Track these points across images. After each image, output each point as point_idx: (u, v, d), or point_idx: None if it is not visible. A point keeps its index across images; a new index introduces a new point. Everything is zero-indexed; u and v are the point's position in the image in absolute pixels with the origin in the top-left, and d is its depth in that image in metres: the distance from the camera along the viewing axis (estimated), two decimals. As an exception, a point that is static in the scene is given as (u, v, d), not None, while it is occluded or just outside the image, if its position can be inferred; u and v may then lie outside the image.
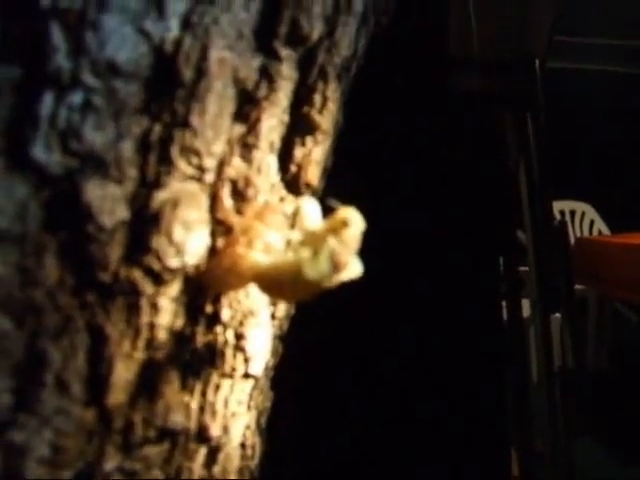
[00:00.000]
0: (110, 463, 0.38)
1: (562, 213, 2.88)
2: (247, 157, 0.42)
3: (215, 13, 0.39)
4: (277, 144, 0.44)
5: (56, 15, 0.33)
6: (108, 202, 0.36)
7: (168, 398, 0.40)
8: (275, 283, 0.39)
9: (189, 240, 0.39)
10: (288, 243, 0.39)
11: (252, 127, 0.42)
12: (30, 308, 0.35)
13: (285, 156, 0.45)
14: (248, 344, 0.44)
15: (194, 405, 0.42)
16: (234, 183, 0.42)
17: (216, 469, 0.44)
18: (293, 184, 0.46)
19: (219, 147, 0.40)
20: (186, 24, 0.38)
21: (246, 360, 0.45)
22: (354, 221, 0.38)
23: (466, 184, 1.47)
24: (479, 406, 1.57)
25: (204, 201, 0.40)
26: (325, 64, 0.46)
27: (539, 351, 1.60)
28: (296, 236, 0.39)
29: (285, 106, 0.44)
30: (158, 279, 0.38)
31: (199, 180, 0.39)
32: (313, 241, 0.38)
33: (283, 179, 0.45)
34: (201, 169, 0.39)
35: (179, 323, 0.40)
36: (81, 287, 0.37)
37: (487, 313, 1.64)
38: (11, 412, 0.35)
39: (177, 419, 0.40)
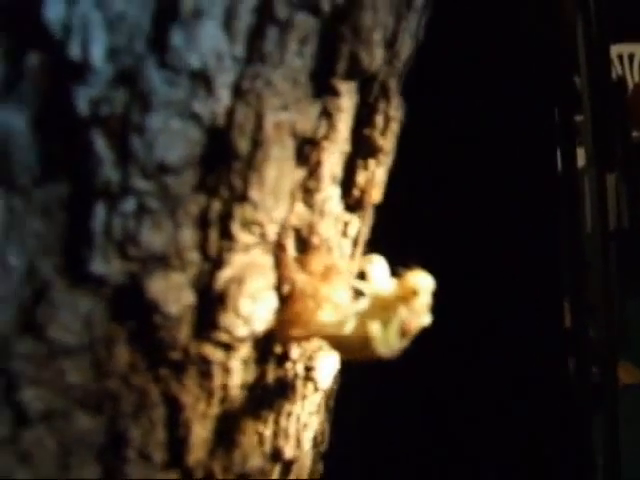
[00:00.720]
0: (193, 508, 0.40)
1: (620, 57, 2.69)
2: (309, 202, 0.40)
3: (267, 74, 0.35)
4: (339, 174, 0.42)
5: (97, 124, 0.31)
6: (172, 291, 0.35)
7: (245, 446, 0.41)
8: (344, 348, 0.38)
9: (257, 310, 0.38)
10: (356, 303, 0.38)
11: (313, 171, 0.40)
12: (106, 396, 0.36)
13: (348, 181, 0.43)
14: (318, 374, 0.45)
15: (267, 432, 0.44)
16: (297, 231, 0.40)
17: (290, 476, 0.47)
18: (356, 206, 0.44)
19: (281, 212, 0.38)
20: (237, 92, 0.35)
21: (316, 386, 0.45)
22: (425, 288, 0.37)
23: (524, 31, 1.40)
24: (532, 256, 1.58)
25: (269, 263, 0.39)
26: (386, 79, 0.42)
27: (594, 210, 1.57)
28: (365, 301, 0.38)
29: (346, 136, 0.41)
30: (228, 348, 0.38)
31: (262, 243, 0.38)
32: (382, 308, 0.37)
33: (346, 203, 0.43)
34: (263, 236, 0.38)
35: (250, 375, 0.41)
36: (153, 365, 0.37)
37: (541, 161, 1.60)
38: (99, 489, 0.37)
39: (255, 463, 0.42)
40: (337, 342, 0.38)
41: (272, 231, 0.38)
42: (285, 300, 0.39)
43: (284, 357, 0.43)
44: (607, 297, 1.47)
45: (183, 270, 0.35)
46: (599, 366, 1.52)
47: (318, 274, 0.39)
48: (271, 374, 0.42)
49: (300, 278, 0.39)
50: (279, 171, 0.37)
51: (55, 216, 0.32)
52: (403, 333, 0.37)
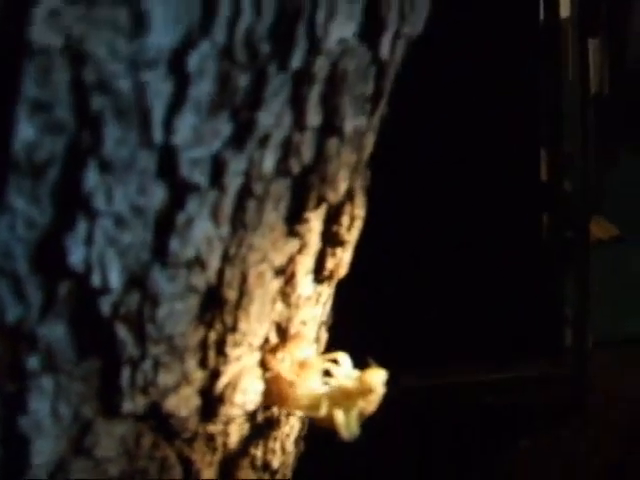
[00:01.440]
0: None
1: None
2: (287, 302, 0.49)
3: (249, 238, 0.43)
4: (311, 267, 0.50)
5: (119, 320, 0.39)
6: (183, 401, 0.46)
7: (242, 476, 0.53)
8: (316, 421, 0.49)
9: (248, 398, 0.48)
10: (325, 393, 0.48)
11: (288, 281, 0.48)
12: (137, 471, 0.47)
13: (319, 266, 0.51)
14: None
15: (259, 453, 0.56)
16: (278, 324, 0.49)
17: (278, 476, 0.59)
18: (325, 280, 0.53)
19: (264, 329, 0.47)
20: (225, 259, 0.43)
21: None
22: (379, 385, 0.47)
23: None
24: (510, 105, 1.62)
25: (256, 360, 0.48)
26: (352, 185, 0.49)
27: (574, 75, 1.59)
28: (333, 391, 0.48)
29: (316, 242, 0.49)
30: (226, 422, 0.49)
31: (249, 349, 0.47)
32: (346, 398, 0.48)
33: (317, 279, 0.52)
34: (251, 346, 0.47)
35: (244, 430, 0.52)
36: (170, 441, 0.48)
37: (523, 8, 1.59)
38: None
39: (251, 488, 0.54)
40: (312, 418, 0.49)
41: (257, 342, 0.47)
42: (270, 383, 0.49)
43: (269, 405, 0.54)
44: (584, 150, 1.50)
45: (190, 385, 0.45)
46: (573, 220, 1.57)
47: (296, 364, 0.49)
48: (260, 416, 0.54)
49: (281, 367, 0.49)
50: (261, 304, 0.46)
51: (92, 380, 0.41)
52: (361, 416, 0.48)
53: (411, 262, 1.60)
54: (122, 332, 0.40)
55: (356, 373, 0.48)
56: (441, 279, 1.64)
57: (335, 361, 0.49)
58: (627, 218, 1.98)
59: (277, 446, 0.57)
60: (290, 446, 0.59)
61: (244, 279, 0.44)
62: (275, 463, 0.57)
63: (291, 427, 0.58)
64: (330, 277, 0.53)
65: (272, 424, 0.55)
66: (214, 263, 0.42)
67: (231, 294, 0.44)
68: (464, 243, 1.64)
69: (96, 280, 0.37)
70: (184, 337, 0.43)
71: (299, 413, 0.54)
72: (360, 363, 0.49)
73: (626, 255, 1.87)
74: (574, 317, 1.63)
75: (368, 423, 0.48)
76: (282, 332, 0.50)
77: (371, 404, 0.47)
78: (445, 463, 1.59)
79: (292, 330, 0.50)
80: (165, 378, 0.43)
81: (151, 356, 0.42)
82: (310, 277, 0.51)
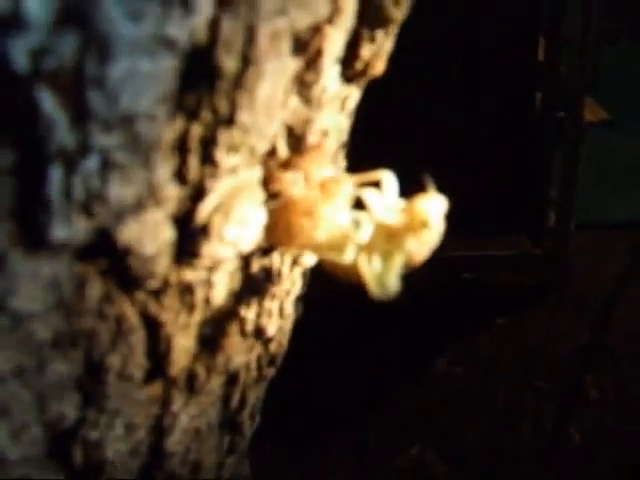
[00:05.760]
0: (177, 405, 0.39)
1: None
2: (306, 96, 0.33)
3: (261, -30, 0.26)
4: (340, 51, 0.34)
5: (43, 80, 0.23)
6: (148, 230, 0.30)
7: (228, 348, 0.39)
8: (339, 273, 0.34)
9: (244, 233, 0.33)
10: (358, 231, 0.33)
11: (312, 62, 0.32)
12: (80, 334, 0.32)
13: (350, 55, 0.35)
14: (307, 259, 0.41)
15: (251, 315, 0.41)
16: (290, 129, 0.34)
17: (273, 346, 0.45)
18: (357, 77, 0.37)
19: (274, 127, 0.31)
20: (222, 1, 0.26)
21: (303, 263, 0.42)
22: (436, 217, 0.32)
23: None
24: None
25: (257, 175, 0.33)
26: None
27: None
28: (368, 229, 0.33)
29: (352, 13, 0.33)
30: (211, 268, 0.34)
31: (250, 159, 0.32)
32: (387, 237, 0.32)
33: (345, 76, 0.36)
34: (253, 153, 0.31)
35: (237, 282, 0.37)
36: (129, 293, 0.33)
37: None
38: (82, 411, 0.35)
39: (238, 361, 0.40)
40: (332, 266, 0.34)
41: (262, 147, 0.32)
42: (276, 213, 0.34)
43: (270, 248, 0.38)
44: (584, 31, 1.40)
45: (160, 206, 0.30)
46: (566, 100, 1.50)
47: (315, 186, 0.33)
48: (256, 264, 0.39)
49: (294, 189, 0.33)
50: (274, 85, 0.30)
51: (3, 185, 0.25)
52: (408, 265, 0.33)
53: (403, 132, 1.51)
54: (48, 102, 0.24)
55: (403, 203, 0.33)
56: (429, 151, 1.54)
57: (375, 185, 0.33)
58: (618, 101, 1.91)
59: (274, 307, 0.42)
60: (289, 307, 0.45)
61: (250, 38, 0.27)
62: (271, 329, 0.43)
63: (292, 283, 0.44)
64: (363, 73, 0.37)
65: (270, 276, 0.40)
66: (204, 4, 0.26)
67: (229, 62, 0.27)
68: (454, 118, 1.55)
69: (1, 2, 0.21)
70: (152, 123, 0.27)
71: (311, 257, 0.39)
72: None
73: (614, 140, 1.78)
74: (559, 198, 1.58)
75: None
76: (296, 141, 0.34)
77: (423, 245, 0.32)
78: (421, 339, 1.53)
79: (310, 140, 0.34)
80: (120, 190, 0.27)
81: (97, 149, 0.26)
82: (337, 68, 0.35)
